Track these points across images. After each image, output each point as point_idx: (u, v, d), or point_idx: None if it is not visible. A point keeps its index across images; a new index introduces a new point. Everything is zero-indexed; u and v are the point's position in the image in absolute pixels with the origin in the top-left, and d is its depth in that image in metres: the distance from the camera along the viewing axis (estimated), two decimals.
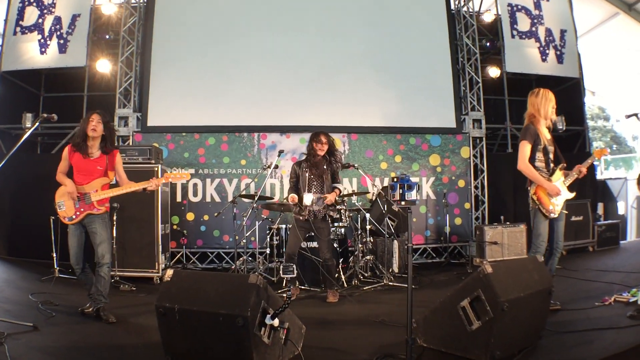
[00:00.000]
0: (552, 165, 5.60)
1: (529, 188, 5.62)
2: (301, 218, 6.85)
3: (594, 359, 3.88)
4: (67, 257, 8.32)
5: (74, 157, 5.61)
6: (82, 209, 5.54)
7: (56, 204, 5.61)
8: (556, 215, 5.51)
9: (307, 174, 6.83)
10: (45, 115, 5.15)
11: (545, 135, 5.56)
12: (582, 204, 10.21)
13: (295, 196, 6.83)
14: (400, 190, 3.70)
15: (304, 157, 7.10)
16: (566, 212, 5.62)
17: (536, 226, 5.52)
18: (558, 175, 5.60)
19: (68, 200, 5.55)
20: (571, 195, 5.65)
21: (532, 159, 5.52)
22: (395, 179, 3.77)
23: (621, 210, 13.34)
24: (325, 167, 6.87)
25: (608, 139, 29.08)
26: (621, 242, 11.10)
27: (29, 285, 7.29)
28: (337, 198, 6.90)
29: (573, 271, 7.81)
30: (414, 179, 10.06)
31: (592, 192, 11.23)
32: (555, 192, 5.46)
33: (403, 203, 3.79)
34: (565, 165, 5.66)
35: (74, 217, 5.54)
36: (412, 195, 3.74)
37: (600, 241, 10.43)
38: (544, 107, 5.52)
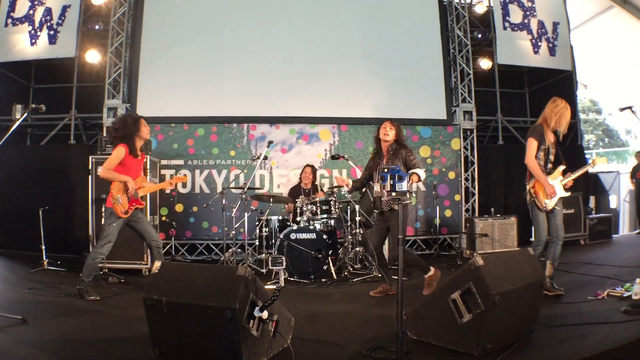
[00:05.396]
0: (550, 165, 5.95)
1: (526, 182, 5.98)
2: (375, 212, 6.52)
3: (588, 354, 3.81)
4: (56, 249, 8.41)
5: (128, 158, 6.11)
6: (133, 204, 6.15)
7: (114, 200, 6.01)
8: (549, 210, 5.86)
9: (373, 163, 6.51)
10: (33, 105, 5.22)
11: (550, 138, 5.91)
12: (573, 197, 10.16)
13: (343, 179, 6.62)
14: (391, 181, 3.64)
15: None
16: (557, 207, 5.89)
17: (535, 218, 5.93)
18: (556, 174, 5.96)
19: (124, 196, 6.06)
20: (567, 194, 5.98)
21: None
22: (385, 170, 3.70)
23: (613, 204, 13.39)
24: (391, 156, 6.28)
25: (600, 132, 29.23)
26: (613, 235, 11.14)
27: (17, 278, 7.27)
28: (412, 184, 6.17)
29: (565, 264, 7.76)
30: None
31: (584, 185, 11.25)
32: (551, 192, 5.80)
33: (394, 194, 3.73)
34: (565, 167, 5.99)
35: (128, 210, 6.10)
36: (403, 186, 3.67)
37: (592, 234, 10.46)
38: (556, 121, 5.83)
